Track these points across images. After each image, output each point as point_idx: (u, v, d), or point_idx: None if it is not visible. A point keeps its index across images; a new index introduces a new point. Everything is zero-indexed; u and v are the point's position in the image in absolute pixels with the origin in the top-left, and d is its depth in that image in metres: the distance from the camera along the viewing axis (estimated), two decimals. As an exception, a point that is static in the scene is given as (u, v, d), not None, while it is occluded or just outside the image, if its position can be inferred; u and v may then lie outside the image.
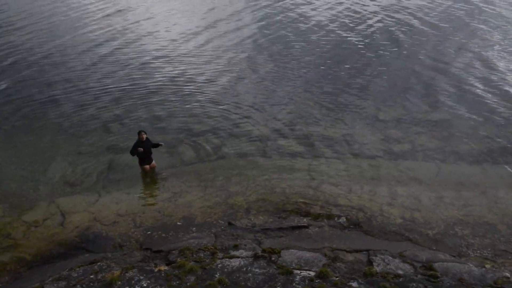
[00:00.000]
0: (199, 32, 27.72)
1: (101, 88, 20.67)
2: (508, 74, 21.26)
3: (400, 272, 9.95)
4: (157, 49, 25.20)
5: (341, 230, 11.69)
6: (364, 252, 10.79)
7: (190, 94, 20.04)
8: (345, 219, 12.06)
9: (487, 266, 10.17)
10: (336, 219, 12.10)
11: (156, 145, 14.42)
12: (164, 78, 21.63)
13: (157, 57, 24.08)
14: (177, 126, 17.49)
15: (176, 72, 22.30)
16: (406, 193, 13.30)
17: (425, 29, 27.12)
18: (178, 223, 12.24)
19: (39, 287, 9.76)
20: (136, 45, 25.82)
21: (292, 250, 10.84)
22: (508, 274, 9.75)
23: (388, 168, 14.61)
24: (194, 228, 12.00)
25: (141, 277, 9.82)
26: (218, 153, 15.70)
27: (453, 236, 11.47)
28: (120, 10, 32.25)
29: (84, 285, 9.62)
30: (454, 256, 10.61)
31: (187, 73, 22.11)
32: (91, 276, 9.93)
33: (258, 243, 11.24)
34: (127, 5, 33.31)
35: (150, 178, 14.50)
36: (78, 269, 10.33)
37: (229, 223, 12.08)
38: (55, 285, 9.78)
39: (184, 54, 24.51)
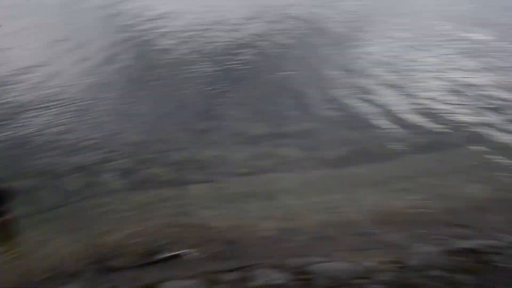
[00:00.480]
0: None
1: None
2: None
3: (280, 281, 10.06)
4: None
5: (217, 251, 11.55)
6: (245, 268, 10.73)
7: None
8: (220, 240, 11.96)
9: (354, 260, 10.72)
10: (210, 242, 11.94)
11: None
12: None
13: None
14: (36, 170, 16.07)
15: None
16: (278, 204, 13.65)
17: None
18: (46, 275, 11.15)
19: None
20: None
21: (172, 281, 10.40)
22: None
23: (257, 183, 14.88)
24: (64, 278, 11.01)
25: None
26: (82, 194, 14.73)
27: (323, 239, 11.93)
28: None
29: None
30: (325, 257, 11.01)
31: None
32: None
33: (135, 281, 10.63)
34: None
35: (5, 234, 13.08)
36: None
37: (101, 268, 11.28)
38: None
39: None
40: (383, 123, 18.81)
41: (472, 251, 10.51)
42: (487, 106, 20.06)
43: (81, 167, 16.16)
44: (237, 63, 26.09)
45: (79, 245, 12.21)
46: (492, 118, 18.89)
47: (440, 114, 19.47)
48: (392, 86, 22.60)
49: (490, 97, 20.96)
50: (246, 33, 31.66)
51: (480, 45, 28.24)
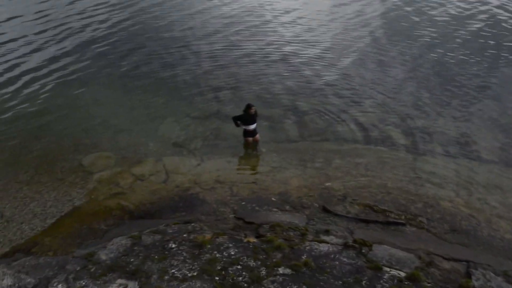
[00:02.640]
0: (321, 14, 27.25)
1: (218, 58, 21.23)
2: None
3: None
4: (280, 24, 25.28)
5: (440, 234, 10.93)
6: (464, 262, 10.01)
7: (305, 73, 19.87)
8: (446, 224, 11.27)
9: None
10: (436, 222, 11.34)
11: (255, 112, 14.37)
12: (282, 55, 21.59)
13: (278, 34, 24.17)
14: (286, 103, 17.49)
15: (295, 51, 22.17)
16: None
17: None
18: (273, 199, 12.30)
19: (137, 236, 10.43)
20: (260, 26, 25.88)
21: (385, 246, 10.37)
22: None
23: (505, 177, 13.32)
24: (287, 206, 11.98)
25: (230, 245, 10.05)
26: (322, 135, 15.45)
27: None
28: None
29: (176, 242, 10.08)
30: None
31: (305, 53, 21.91)
32: (184, 235, 10.38)
33: (350, 233, 10.92)
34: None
35: (251, 150, 14.70)
36: (173, 226, 10.86)
37: (324, 207, 11.87)
38: (151, 237, 10.37)
39: (307, 34, 24.30)
40: None
41: None
42: None
43: (323, 112, 16.85)
44: None
45: (309, 181, 13.01)
46: None
47: None
48: None
49: None
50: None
51: None
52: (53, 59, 20.73)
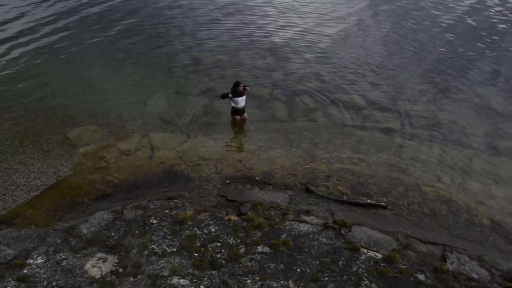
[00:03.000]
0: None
1: (212, 38, 21.04)
2: None
3: (475, 276, 9.32)
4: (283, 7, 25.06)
5: (419, 218, 11.07)
6: (440, 246, 10.21)
7: (301, 53, 19.80)
8: (426, 208, 11.40)
9: None
10: (416, 206, 11.48)
11: (244, 88, 14.25)
12: (279, 35, 21.48)
13: (280, 15, 23.92)
14: (276, 82, 17.43)
15: (295, 30, 22.05)
16: (502, 194, 12.20)
17: None
18: (257, 178, 12.36)
19: (119, 211, 10.51)
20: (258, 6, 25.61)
21: (364, 227, 10.54)
22: None
23: (488, 164, 13.39)
24: (271, 186, 12.06)
25: (211, 222, 10.16)
26: (310, 116, 15.44)
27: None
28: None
29: (157, 218, 10.18)
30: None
31: (305, 33, 21.77)
32: (166, 211, 10.47)
33: (331, 213, 11.05)
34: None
35: (238, 129, 14.70)
36: (156, 201, 10.94)
37: (306, 188, 11.97)
38: (133, 212, 10.46)
39: (307, 14, 24.10)
40: None
41: None
42: None
43: (313, 93, 16.84)
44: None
45: (294, 161, 13.07)
46: None
47: None
48: None
49: None
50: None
51: None
52: (40, 27, 20.53)
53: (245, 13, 23.85)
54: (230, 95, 13.90)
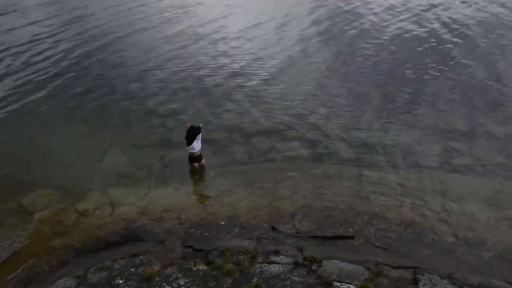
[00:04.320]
0: (259, 27, 27.60)
1: (160, 84, 21.02)
2: None
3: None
4: (219, 47, 25.39)
5: (387, 244, 11.17)
6: (411, 269, 10.27)
7: (247, 94, 19.92)
8: (392, 233, 11.54)
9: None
10: (383, 232, 11.60)
11: (198, 129, 14.23)
12: (224, 76, 21.64)
13: (218, 55, 24.21)
14: (231, 125, 17.43)
15: (236, 70, 22.26)
16: (461, 210, 12.54)
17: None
18: (222, 223, 12.22)
19: (82, 275, 10.08)
20: (197, 46, 25.91)
21: (335, 260, 10.51)
22: None
23: (444, 182, 13.79)
24: (237, 230, 11.93)
25: (179, 275, 9.89)
26: (269, 155, 15.51)
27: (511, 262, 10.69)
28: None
29: (124, 278, 9.83)
30: (511, 284, 9.86)
31: (246, 71, 22.02)
32: (132, 269, 10.13)
33: (300, 250, 11.00)
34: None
35: (199, 176, 14.58)
36: (120, 260, 10.58)
37: (273, 227, 11.90)
38: (97, 274, 10.06)
39: (245, 51, 24.46)
40: None
41: None
42: None
43: (268, 131, 16.99)
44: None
45: (257, 203, 13.02)
46: None
47: None
48: None
49: None
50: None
51: None
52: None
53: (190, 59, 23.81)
54: (187, 125, 14.01)
